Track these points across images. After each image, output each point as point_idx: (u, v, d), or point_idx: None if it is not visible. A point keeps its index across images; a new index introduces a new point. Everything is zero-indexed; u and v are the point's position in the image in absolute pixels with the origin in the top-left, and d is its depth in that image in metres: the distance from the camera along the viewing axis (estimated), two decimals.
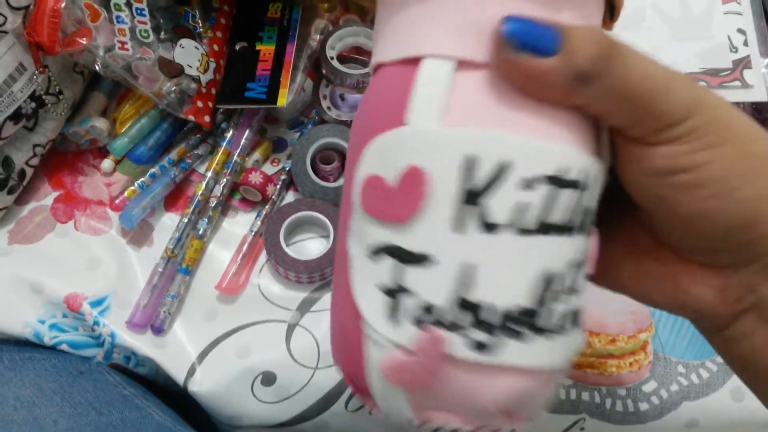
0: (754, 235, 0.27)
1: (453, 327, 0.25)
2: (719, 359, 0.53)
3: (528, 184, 0.24)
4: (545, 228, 0.25)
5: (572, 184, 0.25)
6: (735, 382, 0.52)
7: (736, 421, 0.52)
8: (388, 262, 0.25)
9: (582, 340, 0.28)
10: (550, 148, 0.25)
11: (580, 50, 0.24)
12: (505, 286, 0.25)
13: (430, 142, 0.25)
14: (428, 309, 0.25)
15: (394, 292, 0.25)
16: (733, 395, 0.52)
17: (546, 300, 0.25)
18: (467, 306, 0.25)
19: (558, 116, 0.25)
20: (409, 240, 0.25)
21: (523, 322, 0.25)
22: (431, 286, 0.25)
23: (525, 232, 0.25)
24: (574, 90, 0.25)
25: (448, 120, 0.25)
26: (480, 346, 0.25)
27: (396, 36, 0.27)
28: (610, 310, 0.54)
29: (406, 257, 0.25)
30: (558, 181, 0.25)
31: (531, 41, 0.24)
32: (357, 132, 0.28)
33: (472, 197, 0.24)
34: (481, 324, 0.25)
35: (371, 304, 0.26)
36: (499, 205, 0.24)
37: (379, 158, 0.26)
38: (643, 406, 0.52)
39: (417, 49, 0.26)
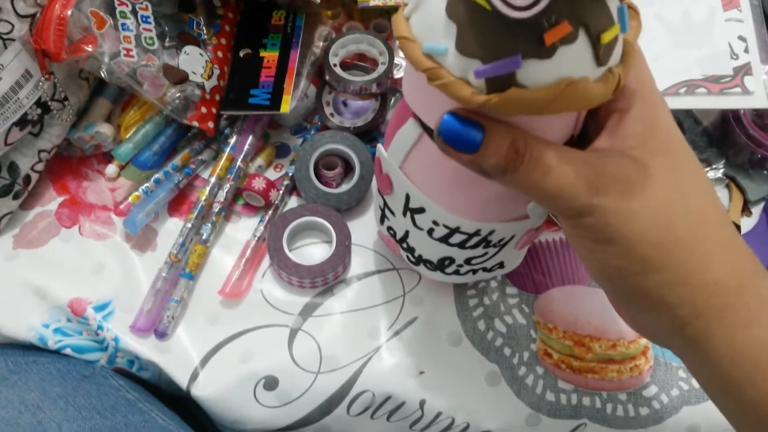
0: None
1: (402, 246, 0.48)
2: None
3: (435, 222, 0.42)
4: (446, 242, 0.43)
5: (461, 233, 0.42)
6: None
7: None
8: (381, 202, 0.47)
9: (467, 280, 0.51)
10: (447, 215, 0.41)
11: (495, 151, 0.32)
12: (424, 250, 0.46)
13: (395, 173, 0.41)
14: (391, 230, 0.48)
15: (383, 217, 0.48)
16: None
17: (444, 264, 0.46)
18: (407, 246, 0.48)
19: (457, 197, 0.40)
20: (388, 201, 0.45)
21: (433, 266, 0.47)
22: (395, 224, 0.46)
23: (434, 239, 0.43)
24: (486, 175, 0.33)
25: (403, 167, 0.41)
26: (410, 261, 0.49)
27: (411, 90, 0.38)
28: (611, 316, 0.54)
29: (387, 207, 0.46)
30: (452, 229, 0.42)
31: (455, 141, 0.32)
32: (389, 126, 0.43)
33: (407, 211, 0.43)
34: (413, 254, 0.48)
35: (377, 214, 0.49)
36: (421, 222, 0.43)
37: (380, 158, 0.43)
38: (644, 410, 0.52)
39: (405, 96, 0.38)
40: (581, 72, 0.30)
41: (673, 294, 0.32)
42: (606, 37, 0.30)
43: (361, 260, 0.56)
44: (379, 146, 0.43)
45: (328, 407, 0.52)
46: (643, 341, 0.53)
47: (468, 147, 0.32)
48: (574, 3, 0.28)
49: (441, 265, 0.47)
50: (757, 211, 0.60)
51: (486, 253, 0.45)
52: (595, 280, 0.36)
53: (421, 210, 0.42)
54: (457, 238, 0.42)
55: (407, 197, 0.42)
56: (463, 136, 0.32)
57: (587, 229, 0.33)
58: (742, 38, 0.59)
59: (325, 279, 0.54)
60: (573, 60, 0.30)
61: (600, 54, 0.30)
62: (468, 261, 0.45)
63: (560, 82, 0.29)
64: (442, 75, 0.31)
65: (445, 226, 0.41)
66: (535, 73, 0.29)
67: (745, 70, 0.57)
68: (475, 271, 0.48)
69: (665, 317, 0.33)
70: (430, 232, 0.43)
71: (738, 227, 0.59)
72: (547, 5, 0.27)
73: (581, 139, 0.36)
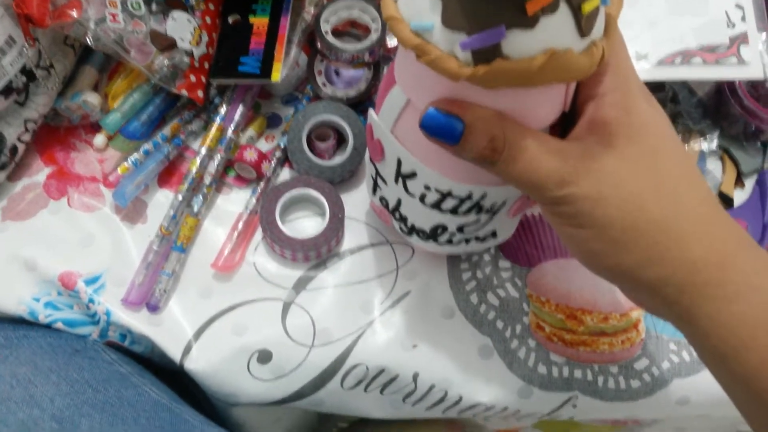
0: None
1: (394, 216, 0.47)
2: None
3: (427, 187, 0.41)
4: (438, 208, 0.43)
5: (453, 197, 0.41)
6: None
7: (727, 398, 0.53)
8: (374, 171, 0.46)
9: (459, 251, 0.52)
10: (439, 178, 0.40)
11: (473, 147, 0.34)
12: (417, 218, 0.46)
13: (386, 137, 0.41)
14: (383, 200, 0.47)
15: (375, 186, 0.47)
16: None
17: (437, 233, 0.46)
18: (399, 216, 0.47)
19: (448, 159, 0.37)
20: (380, 169, 0.44)
21: (425, 235, 0.47)
22: (387, 193, 0.46)
23: (426, 205, 0.43)
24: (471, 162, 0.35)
25: (394, 130, 0.40)
26: (403, 231, 0.48)
27: (402, 59, 0.38)
28: (603, 289, 0.54)
29: (379, 176, 0.45)
30: (444, 194, 0.41)
31: (438, 133, 0.34)
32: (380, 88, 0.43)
33: (399, 177, 0.42)
34: (405, 224, 0.47)
35: (369, 184, 0.49)
36: (413, 188, 0.42)
37: (372, 123, 0.43)
38: (635, 383, 0.53)
39: (397, 78, 0.39)
40: (565, 43, 0.31)
41: (650, 272, 0.34)
42: (587, 8, 0.31)
43: (354, 234, 0.56)
44: (371, 111, 0.42)
45: (321, 381, 0.52)
46: (635, 314, 0.54)
47: (449, 140, 0.34)
48: None
49: (434, 234, 0.46)
50: (750, 183, 0.60)
51: (478, 220, 0.44)
52: (578, 261, 0.38)
53: (412, 174, 0.41)
54: (449, 203, 0.42)
55: (399, 162, 0.42)
56: (444, 129, 0.34)
57: (562, 215, 0.35)
58: (739, 6, 0.58)
59: (318, 252, 0.53)
60: (556, 30, 0.31)
61: (582, 24, 0.31)
62: (460, 229, 0.45)
63: (544, 53, 0.31)
64: (429, 50, 0.32)
65: (437, 191, 0.41)
66: (519, 43, 0.31)
67: (741, 39, 0.57)
68: (468, 241, 0.47)
69: (652, 294, 0.35)
70: (423, 198, 0.43)
71: (730, 199, 0.59)
72: None
73: (564, 125, 0.37)
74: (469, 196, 0.41)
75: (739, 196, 0.60)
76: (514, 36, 0.30)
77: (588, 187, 0.33)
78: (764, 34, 0.57)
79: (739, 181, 0.60)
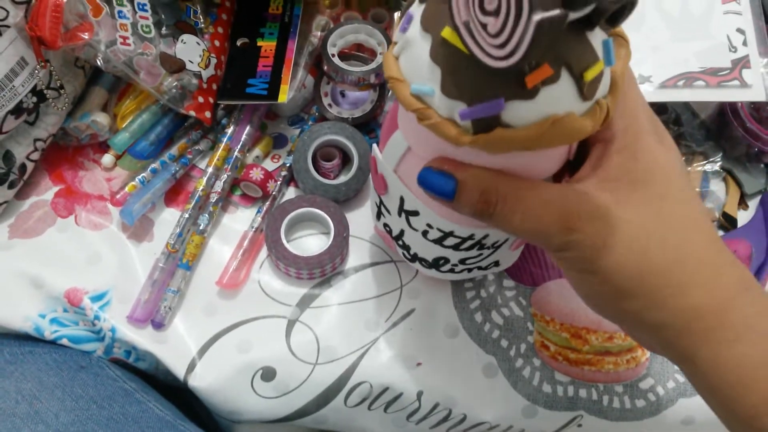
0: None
1: (398, 243, 0.48)
2: None
3: (429, 225, 0.42)
4: (441, 244, 0.43)
5: (455, 236, 0.42)
6: None
7: None
8: (378, 200, 0.46)
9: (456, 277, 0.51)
10: (441, 220, 0.41)
11: (467, 202, 0.34)
12: (419, 249, 0.46)
13: (390, 176, 0.41)
14: (387, 227, 0.47)
15: (379, 214, 0.47)
16: None
17: (439, 263, 0.46)
18: (403, 244, 0.47)
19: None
20: (384, 200, 0.44)
21: (428, 264, 0.47)
22: (391, 222, 0.46)
23: (429, 240, 0.43)
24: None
25: (397, 170, 0.40)
26: (406, 257, 0.49)
27: (405, 123, 0.38)
28: None
29: (383, 205, 0.45)
30: (446, 233, 0.42)
31: (434, 189, 0.35)
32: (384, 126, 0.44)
33: (402, 212, 0.43)
34: (408, 252, 0.48)
35: (373, 210, 0.48)
36: (415, 223, 0.43)
37: (376, 157, 0.43)
38: (640, 402, 0.52)
39: (399, 124, 0.39)
40: (566, 108, 0.30)
41: (652, 317, 0.34)
42: (589, 75, 0.30)
43: (358, 252, 0.56)
44: (375, 147, 0.42)
45: (325, 398, 0.52)
46: None
47: (444, 196, 0.35)
48: (554, 45, 0.28)
49: (436, 263, 0.47)
50: (753, 204, 0.60)
51: (481, 254, 0.45)
52: (584, 302, 0.38)
53: (415, 213, 0.42)
54: (451, 241, 0.43)
55: (402, 199, 0.42)
56: (437, 187, 0.35)
57: (567, 261, 0.35)
58: (740, 31, 0.59)
59: (322, 270, 0.53)
60: (557, 98, 0.30)
61: (584, 90, 0.30)
62: (463, 261, 0.46)
63: (545, 120, 0.30)
64: (430, 115, 0.32)
65: (439, 230, 0.42)
66: (519, 113, 0.30)
67: (743, 62, 0.57)
68: (470, 270, 0.48)
69: (652, 335, 0.35)
70: (425, 233, 0.43)
71: (734, 220, 0.59)
72: (526, 52, 0.26)
73: (571, 165, 0.38)
74: (471, 237, 0.42)
75: (743, 217, 0.60)
76: (514, 106, 0.29)
77: (592, 234, 0.33)
78: (766, 60, 0.58)
79: (742, 203, 0.60)
